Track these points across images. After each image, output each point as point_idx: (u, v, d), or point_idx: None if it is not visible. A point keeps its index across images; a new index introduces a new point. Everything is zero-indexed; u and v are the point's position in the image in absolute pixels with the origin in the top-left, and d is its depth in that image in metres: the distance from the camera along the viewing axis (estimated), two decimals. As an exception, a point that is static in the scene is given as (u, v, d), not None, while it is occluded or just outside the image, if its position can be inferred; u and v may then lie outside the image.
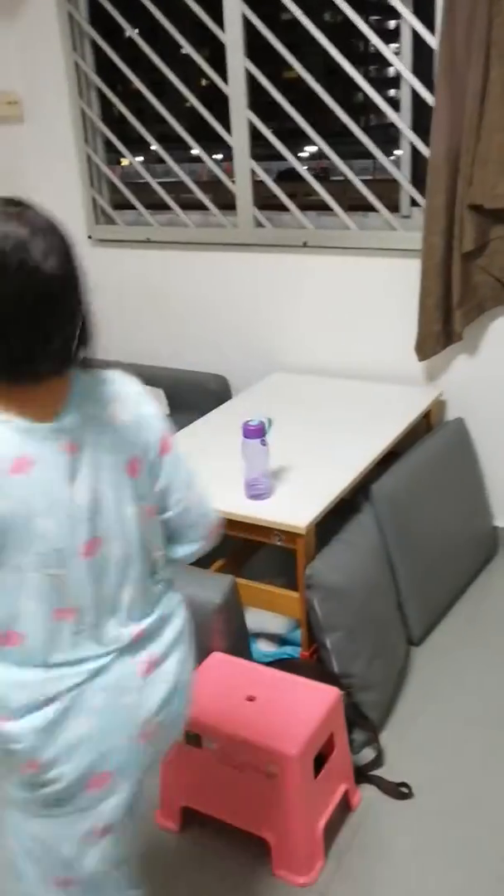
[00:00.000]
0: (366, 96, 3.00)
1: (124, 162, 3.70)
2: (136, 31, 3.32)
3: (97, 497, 1.23)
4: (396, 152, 3.09)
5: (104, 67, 3.50)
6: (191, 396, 3.49)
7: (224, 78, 3.20)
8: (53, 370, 1.19)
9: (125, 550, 1.28)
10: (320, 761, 1.96)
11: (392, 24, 3.00)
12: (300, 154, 3.23)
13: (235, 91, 3.18)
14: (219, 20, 3.12)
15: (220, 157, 3.46)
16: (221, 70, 3.20)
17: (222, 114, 3.27)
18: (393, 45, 2.93)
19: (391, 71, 3.12)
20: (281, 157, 3.23)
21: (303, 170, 3.18)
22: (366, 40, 2.95)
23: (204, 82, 3.36)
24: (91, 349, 1.26)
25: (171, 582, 1.45)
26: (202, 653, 2.20)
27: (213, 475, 2.48)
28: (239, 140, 3.23)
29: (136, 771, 1.34)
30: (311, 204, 3.28)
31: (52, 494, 1.18)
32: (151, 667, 1.33)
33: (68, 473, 1.20)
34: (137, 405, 1.35)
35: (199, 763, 1.98)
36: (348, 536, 2.37)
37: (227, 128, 3.25)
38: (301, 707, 1.97)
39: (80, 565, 1.22)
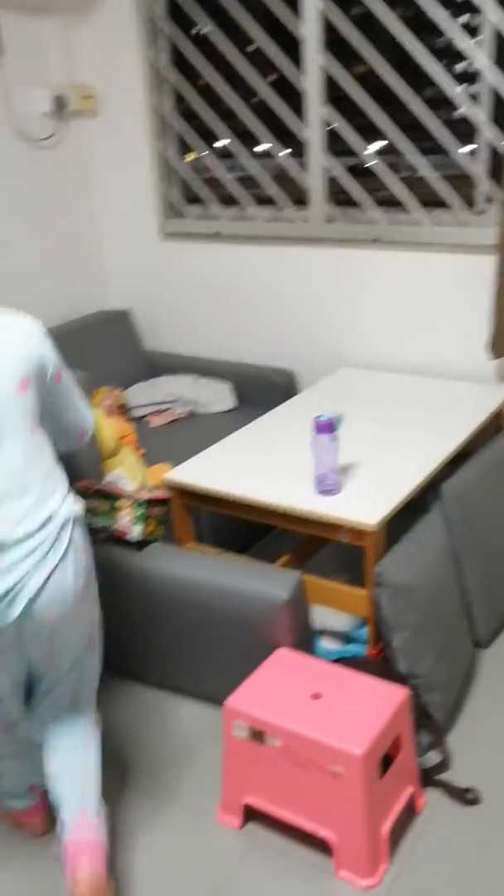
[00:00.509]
0: (435, 91, 2.94)
1: (189, 157, 3.70)
2: (208, 28, 3.31)
3: None
4: (467, 147, 3.03)
5: (176, 62, 3.51)
6: (257, 391, 3.48)
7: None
8: None
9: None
10: (386, 763, 1.93)
11: (465, 18, 2.94)
12: (367, 150, 3.19)
13: (312, 86, 3.15)
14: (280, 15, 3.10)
15: (286, 151, 3.44)
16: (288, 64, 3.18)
17: (289, 108, 3.25)
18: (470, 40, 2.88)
19: (460, 66, 3.07)
20: (349, 153, 3.19)
21: (377, 165, 3.14)
22: (437, 34, 2.90)
23: (271, 77, 3.33)
24: None
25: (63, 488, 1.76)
26: (267, 648, 2.18)
27: (281, 470, 2.48)
28: (313, 135, 3.21)
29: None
30: (379, 199, 3.24)
31: None
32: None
33: None
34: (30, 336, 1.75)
35: (263, 760, 1.96)
36: (417, 535, 2.33)
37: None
38: (368, 706, 1.94)
39: None
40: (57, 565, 1.68)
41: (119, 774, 2.23)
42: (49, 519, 1.68)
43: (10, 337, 1.73)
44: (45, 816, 2.05)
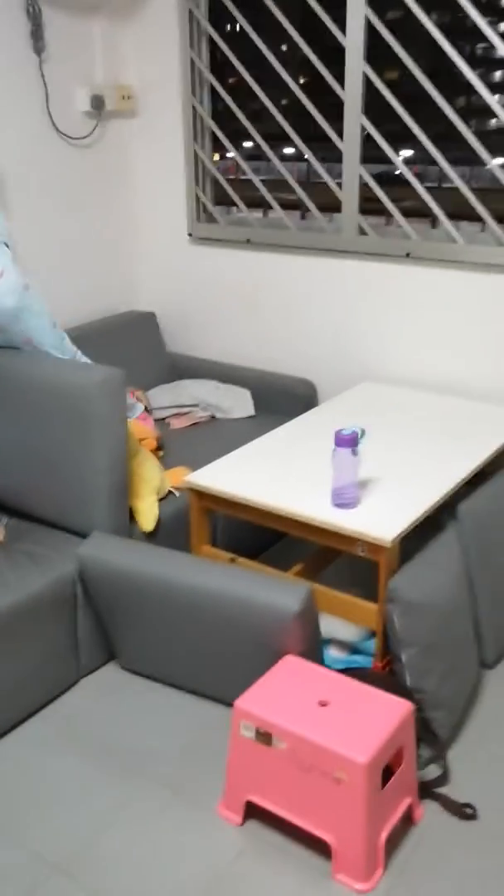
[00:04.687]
0: (469, 100, 2.96)
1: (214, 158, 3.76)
2: (247, 28, 3.35)
3: None
4: (500, 160, 3.03)
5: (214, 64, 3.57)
6: (278, 399, 3.53)
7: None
8: None
9: None
10: (387, 773, 1.98)
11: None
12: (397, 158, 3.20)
13: (351, 95, 3.18)
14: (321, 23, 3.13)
15: (308, 155, 3.47)
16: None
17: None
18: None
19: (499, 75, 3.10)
20: (375, 160, 3.21)
21: (411, 176, 3.14)
22: (473, 42, 2.91)
23: (302, 81, 3.37)
24: None
25: None
26: (277, 655, 2.23)
27: (300, 479, 2.53)
28: (350, 145, 3.24)
29: None
30: (405, 210, 3.25)
31: None
32: None
33: None
34: None
35: (268, 760, 2.01)
36: (431, 553, 2.37)
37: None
38: (373, 717, 1.99)
39: None
40: None
41: (126, 764, 2.29)
42: None
43: None
44: None
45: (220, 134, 3.59)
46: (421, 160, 3.19)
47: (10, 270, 2.55)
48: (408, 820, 2.10)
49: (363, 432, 2.34)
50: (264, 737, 2.00)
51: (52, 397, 2.53)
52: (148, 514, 2.68)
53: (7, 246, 2.66)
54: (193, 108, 3.58)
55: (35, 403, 2.57)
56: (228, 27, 3.52)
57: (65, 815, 2.13)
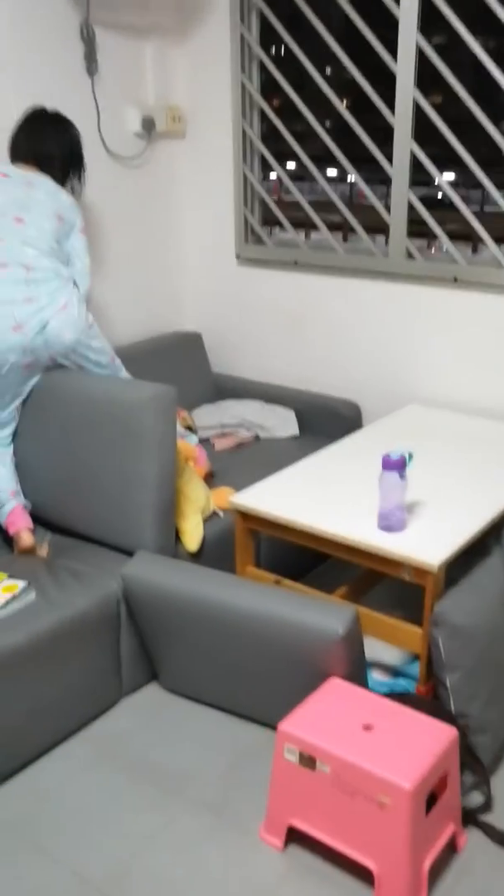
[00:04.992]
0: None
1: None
2: (280, 53, 3.40)
3: None
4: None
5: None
6: (322, 420, 3.54)
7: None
8: None
9: None
10: (431, 799, 1.96)
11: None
12: (434, 182, 3.21)
13: (401, 121, 3.20)
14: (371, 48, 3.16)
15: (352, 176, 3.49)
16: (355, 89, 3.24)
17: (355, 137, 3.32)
18: None
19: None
20: (418, 184, 3.23)
21: (459, 200, 3.15)
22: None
23: (345, 103, 3.40)
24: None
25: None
26: (321, 677, 2.23)
27: (345, 502, 2.53)
28: (399, 170, 3.25)
29: None
30: (449, 234, 3.26)
31: None
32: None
33: None
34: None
35: (311, 784, 2.00)
36: (477, 578, 2.36)
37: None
38: (418, 742, 1.97)
39: None
40: None
41: (167, 786, 2.29)
42: None
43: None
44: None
45: (269, 156, 3.62)
46: (463, 183, 3.19)
47: (73, 305, 2.62)
48: (451, 848, 2.08)
49: (411, 456, 2.33)
50: (308, 760, 2.00)
51: (102, 413, 2.56)
52: (193, 534, 2.70)
53: (76, 285, 2.72)
54: (243, 130, 3.62)
55: (85, 419, 2.60)
56: (273, 50, 3.57)
57: (105, 836, 2.14)
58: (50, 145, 2.86)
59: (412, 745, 1.96)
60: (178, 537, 2.71)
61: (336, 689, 2.17)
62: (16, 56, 3.04)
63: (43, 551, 2.65)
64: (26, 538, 2.63)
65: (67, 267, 2.75)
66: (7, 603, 2.31)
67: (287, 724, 2.04)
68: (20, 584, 2.39)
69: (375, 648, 2.58)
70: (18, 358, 2.59)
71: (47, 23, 3.11)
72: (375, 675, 2.56)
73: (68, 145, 2.92)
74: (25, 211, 2.67)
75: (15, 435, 2.79)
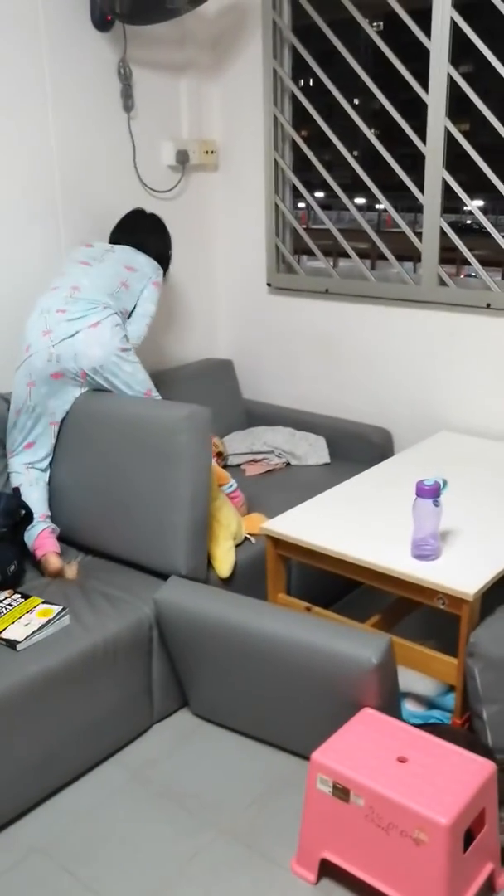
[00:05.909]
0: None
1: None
2: (309, 84, 3.42)
3: None
4: None
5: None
6: (353, 447, 3.52)
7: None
8: None
9: None
10: (468, 836, 1.92)
11: None
12: (465, 208, 3.21)
13: (433, 150, 3.20)
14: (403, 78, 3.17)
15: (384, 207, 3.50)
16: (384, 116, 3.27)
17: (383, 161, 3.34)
18: None
19: None
20: (447, 211, 3.25)
21: (491, 227, 3.14)
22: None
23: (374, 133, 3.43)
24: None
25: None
26: (354, 707, 2.20)
27: (378, 529, 2.51)
28: (431, 197, 3.25)
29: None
30: (480, 259, 3.28)
31: None
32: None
33: None
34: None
35: (345, 817, 1.97)
36: (513, 608, 2.33)
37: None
38: (454, 776, 1.93)
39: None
40: None
41: (197, 814, 2.26)
42: None
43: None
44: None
45: (300, 187, 3.64)
46: (492, 210, 3.18)
47: (105, 327, 2.66)
48: (489, 888, 2.03)
49: (445, 483, 2.31)
50: (342, 792, 1.96)
51: (137, 432, 2.57)
52: (225, 560, 2.68)
53: (118, 315, 2.77)
54: (275, 160, 3.65)
55: (119, 440, 2.61)
56: (302, 82, 3.61)
57: (135, 863, 2.11)
58: (147, 249, 3.08)
59: (448, 780, 1.92)
60: (209, 563, 2.70)
61: (369, 720, 2.14)
62: (57, 94, 3.10)
63: (72, 572, 2.65)
64: (54, 561, 2.64)
65: (127, 320, 2.92)
66: (42, 627, 2.31)
67: (320, 754, 2.01)
68: (55, 608, 2.39)
69: (409, 679, 2.54)
70: (44, 365, 2.65)
71: (87, 62, 3.18)
72: (409, 706, 2.52)
73: (162, 250, 3.16)
74: (97, 261, 2.90)
75: (52, 461, 2.81)
